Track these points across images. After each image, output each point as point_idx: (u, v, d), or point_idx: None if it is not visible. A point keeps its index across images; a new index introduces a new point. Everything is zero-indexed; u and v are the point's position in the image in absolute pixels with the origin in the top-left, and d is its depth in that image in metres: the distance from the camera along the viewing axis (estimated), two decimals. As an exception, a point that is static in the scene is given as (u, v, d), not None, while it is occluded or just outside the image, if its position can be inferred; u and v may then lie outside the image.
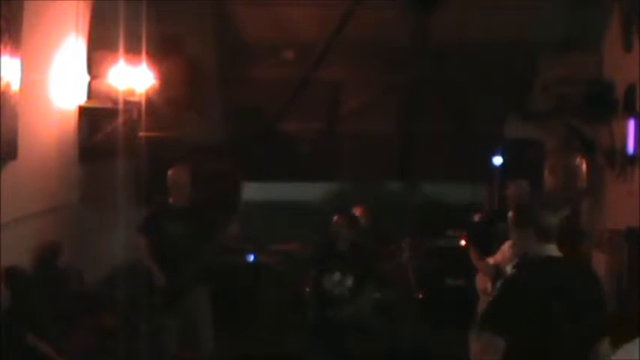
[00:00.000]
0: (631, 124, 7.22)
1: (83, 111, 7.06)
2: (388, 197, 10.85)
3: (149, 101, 7.37)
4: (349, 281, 6.80)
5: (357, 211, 7.75)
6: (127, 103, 7.12)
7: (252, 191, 10.79)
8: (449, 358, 7.37)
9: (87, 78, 7.12)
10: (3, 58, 5.15)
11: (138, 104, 7.23)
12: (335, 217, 7.06)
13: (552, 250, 3.61)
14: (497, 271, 6.23)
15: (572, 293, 3.55)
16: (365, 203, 8.24)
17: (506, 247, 6.18)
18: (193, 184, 6.69)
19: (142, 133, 7.47)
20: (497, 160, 9.67)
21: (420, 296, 8.02)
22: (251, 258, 9.02)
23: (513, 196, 6.46)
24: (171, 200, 6.58)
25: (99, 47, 7.19)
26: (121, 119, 7.14)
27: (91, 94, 7.14)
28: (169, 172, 6.58)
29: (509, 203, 6.48)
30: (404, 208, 10.34)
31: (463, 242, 7.23)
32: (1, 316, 5.00)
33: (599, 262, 7.37)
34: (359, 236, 7.21)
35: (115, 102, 7.09)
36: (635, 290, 6.35)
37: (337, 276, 6.80)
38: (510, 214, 3.83)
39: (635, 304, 6.16)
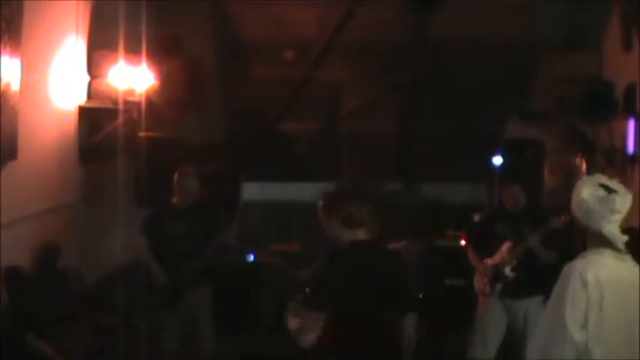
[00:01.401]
0: (631, 124, 7.22)
1: (83, 111, 7.06)
2: (388, 197, 10.83)
3: (149, 101, 7.37)
4: None
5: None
6: (127, 103, 7.13)
7: (252, 191, 10.78)
8: (449, 358, 7.37)
9: (87, 78, 7.12)
10: (3, 58, 5.15)
11: (138, 104, 7.24)
12: None
13: (359, 234, 4.07)
14: (495, 272, 6.22)
15: (376, 272, 4.02)
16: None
17: (505, 248, 6.18)
18: (199, 184, 6.69)
19: (142, 133, 7.48)
20: (497, 160, 9.66)
21: (420, 296, 8.01)
22: (251, 258, 9.01)
23: (509, 201, 6.41)
24: (175, 200, 6.56)
25: (99, 47, 7.18)
26: (121, 119, 7.14)
27: (91, 94, 7.14)
28: (176, 175, 6.54)
29: (507, 210, 6.45)
30: (404, 208, 10.33)
31: (463, 242, 7.23)
32: (1, 316, 5.01)
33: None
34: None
35: (115, 102, 7.09)
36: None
37: None
38: (320, 203, 4.19)
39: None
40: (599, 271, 3.37)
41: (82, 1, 6.97)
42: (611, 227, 3.44)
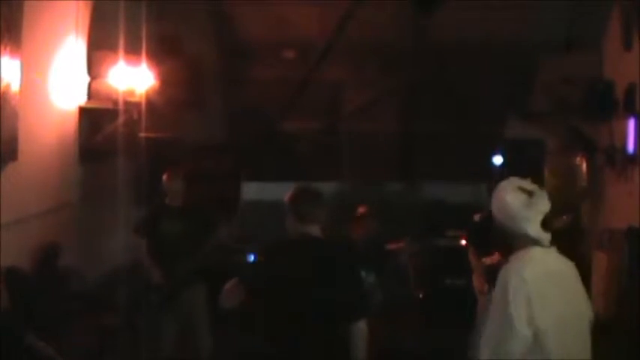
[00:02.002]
0: (631, 124, 7.22)
1: (83, 111, 7.06)
2: (388, 197, 10.84)
3: (149, 101, 7.37)
4: (370, 277, 6.78)
5: (360, 211, 7.75)
6: (127, 103, 7.12)
7: (252, 191, 10.78)
8: (449, 358, 7.37)
9: (87, 78, 7.12)
10: (3, 59, 5.14)
11: (138, 104, 7.24)
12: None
13: (311, 230, 4.19)
14: (494, 272, 6.22)
15: (318, 269, 4.06)
16: (368, 203, 8.25)
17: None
18: (192, 184, 6.71)
19: (142, 133, 7.48)
20: (497, 160, 9.67)
21: (420, 296, 8.02)
22: (251, 258, 9.01)
23: None
24: (168, 201, 6.62)
25: (99, 47, 7.18)
26: (121, 119, 7.14)
27: (91, 94, 7.13)
28: (164, 177, 6.62)
29: None
30: (404, 208, 10.34)
31: (463, 242, 7.23)
32: (1, 316, 5.01)
33: (600, 262, 7.37)
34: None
35: (115, 102, 7.09)
36: (635, 290, 6.35)
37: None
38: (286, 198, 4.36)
39: (635, 304, 6.17)
40: (535, 267, 3.57)
41: (82, 1, 6.97)
42: (536, 228, 3.58)
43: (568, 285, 3.69)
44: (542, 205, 3.60)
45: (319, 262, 4.12)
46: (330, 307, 4.04)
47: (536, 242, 3.61)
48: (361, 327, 4.11)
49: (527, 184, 3.63)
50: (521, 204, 3.58)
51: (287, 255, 4.22)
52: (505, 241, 3.69)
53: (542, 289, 3.53)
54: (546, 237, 3.60)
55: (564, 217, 5.81)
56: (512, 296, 3.50)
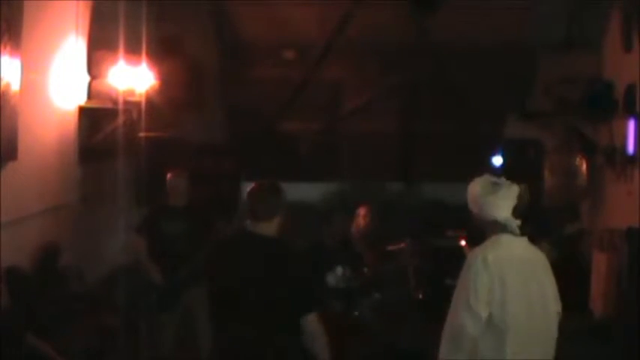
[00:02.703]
0: (631, 124, 7.22)
1: (83, 111, 7.06)
2: (388, 197, 10.83)
3: (149, 101, 7.37)
4: (347, 276, 6.79)
5: (361, 211, 7.75)
6: (127, 103, 7.13)
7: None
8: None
9: (87, 78, 7.11)
10: (3, 58, 5.14)
11: (138, 104, 7.24)
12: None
13: (261, 228, 4.17)
14: None
15: (258, 266, 4.10)
16: (368, 203, 8.25)
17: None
18: (193, 184, 6.72)
19: (142, 133, 7.48)
20: (497, 160, 9.67)
21: (420, 296, 8.01)
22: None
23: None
24: (170, 202, 6.62)
25: (99, 47, 7.18)
26: (121, 119, 7.14)
27: (91, 94, 7.13)
28: (168, 177, 6.62)
29: None
30: (404, 208, 10.33)
31: (463, 242, 7.22)
32: (1, 316, 5.00)
33: (600, 262, 7.36)
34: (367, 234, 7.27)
35: (115, 102, 7.09)
36: (635, 290, 6.35)
37: (339, 271, 6.78)
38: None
39: (635, 304, 6.17)
40: (499, 252, 3.85)
41: (82, 1, 6.97)
42: (505, 215, 3.91)
43: (533, 274, 3.91)
44: (511, 193, 3.94)
45: (257, 258, 4.13)
46: (267, 304, 4.04)
47: (506, 229, 3.89)
48: (309, 324, 4.04)
49: (498, 179, 4.02)
50: (488, 192, 3.95)
51: (228, 252, 4.29)
52: (480, 231, 3.97)
53: (504, 273, 3.76)
54: (515, 223, 3.90)
55: (575, 223, 5.88)
56: (473, 276, 3.75)
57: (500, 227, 3.92)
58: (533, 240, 6.07)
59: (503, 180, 4.01)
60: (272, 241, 4.21)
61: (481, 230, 3.99)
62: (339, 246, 6.98)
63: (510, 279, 3.77)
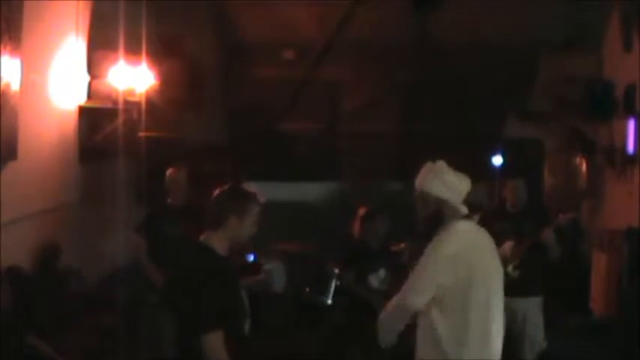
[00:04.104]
0: (631, 124, 7.23)
1: (83, 111, 7.06)
2: (388, 197, 10.83)
3: (149, 101, 7.37)
4: (389, 278, 6.73)
5: (361, 212, 7.75)
6: (127, 103, 7.13)
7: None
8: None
9: (87, 78, 7.12)
10: (3, 58, 5.14)
11: (138, 104, 7.24)
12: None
13: (205, 236, 4.10)
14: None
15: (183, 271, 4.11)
16: (369, 203, 8.24)
17: (507, 246, 6.17)
18: (193, 184, 6.71)
19: (142, 133, 7.48)
20: (497, 160, 9.67)
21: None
22: (251, 258, 9.01)
23: (511, 196, 6.45)
24: (169, 200, 6.61)
25: (99, 47, 7.18)
26: (121, 119, 7.14)
27: (91, 94, 7.13)
28: (167, 173, 6.62)
29: (507, 203, 6.50)
30: (404, 209, 10.33)
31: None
32: (1, 316, 5.00)
33: (600, 262, 7.37)
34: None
35: (115, 102, 7.09)
36: (635, 290, 6.35)
37: (382, 273, 6.73)
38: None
39: (635, 304, 6.17)
40: (460, 238, 4.10)
41: (82, 1, 6.97)
42: (457, 198, 4.17)
43: (485, 253, 4.20)
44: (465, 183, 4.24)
45: (186, 269, 4.09)
46: (184, 316, 4.02)
47: (462, 216, 4.14)
48: (208, 343, 3.87)
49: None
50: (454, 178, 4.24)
51: (177, 259, 4.29)
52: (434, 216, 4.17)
53: (461, 257, 4.02)
54: (464, 208, 4.17)
55: (568, 214, 5.86)
56: (432, 257, 4.04)
57: (454, 213, 4.15)
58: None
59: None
60: (202, 253, 4.07)
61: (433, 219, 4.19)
62: (380, 247, 6.93)
63: (465, 262, 4.02)
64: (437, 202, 4.16)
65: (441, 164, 4.27)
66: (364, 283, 6.67)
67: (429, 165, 4.25)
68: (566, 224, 6.71)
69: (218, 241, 4.07)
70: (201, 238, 4.11)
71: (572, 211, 8.26)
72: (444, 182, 4.18)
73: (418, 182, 4.23)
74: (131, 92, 7.16)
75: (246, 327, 4.40)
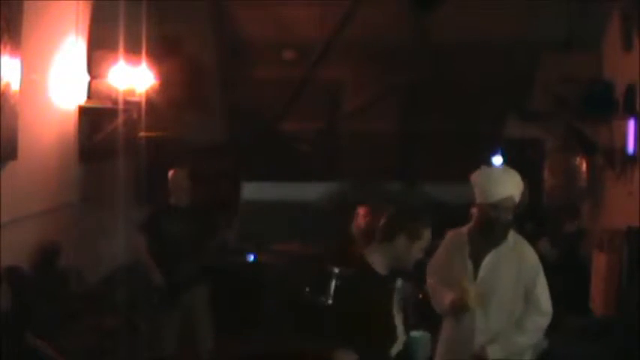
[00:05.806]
0: (631, 124, 7.22)
1: (83, 111, 7.06)
2: (388, 197, 10.83)
3: (149, 101, 7.37)
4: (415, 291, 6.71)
5: (361, 212, 7.75)
6: (127, 103, 7.13)
7: (252, 191, 10.78)
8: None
9: (87, 78, 7.12)
10: (3, 58, 5.15)
11: (138, 104, 7.24)
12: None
13: None
14: None
15: None
16: (369, 203, 8.24)
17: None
18: (193, 184, 6.72)
19: (142, 133, 7.48)
20: (497, 160, 9.67)
21: (420, 296, 8.01)
22: (251, 258, 9.01)
23: None
24: (172, 201, 6.61)
25: (99, 47, 7.19)
26: (121, 119, 7.15)
27: (91, 94, 7.14)
28: (170, 174, 6.62)
29: None
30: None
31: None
32: (1, 316, 5.01)
33: (600, 262, 7.36)
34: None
35: (115, 102, 7.09)
36: (635, 290, 6.35)
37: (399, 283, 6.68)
38: None
39: (635, 304, 6.17)
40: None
41: (82, 1, 6.98)
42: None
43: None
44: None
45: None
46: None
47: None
48: None
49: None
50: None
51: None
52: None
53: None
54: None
55: (575, 222, 5.89)
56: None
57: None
58: (533, 239, 6.11)
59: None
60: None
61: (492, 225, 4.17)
62: None
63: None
64: (514, 208, 4.18)
65: (510, 169, 4.25)
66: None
67: (498, 169, 4.26)
68: (571, 231, 6.69)
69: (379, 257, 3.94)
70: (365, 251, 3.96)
71: (574, 212, 8.26)
72: (520, 188, 4.17)
73: (501, 188, 4.19)
74: (131, 92, 7.17)
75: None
